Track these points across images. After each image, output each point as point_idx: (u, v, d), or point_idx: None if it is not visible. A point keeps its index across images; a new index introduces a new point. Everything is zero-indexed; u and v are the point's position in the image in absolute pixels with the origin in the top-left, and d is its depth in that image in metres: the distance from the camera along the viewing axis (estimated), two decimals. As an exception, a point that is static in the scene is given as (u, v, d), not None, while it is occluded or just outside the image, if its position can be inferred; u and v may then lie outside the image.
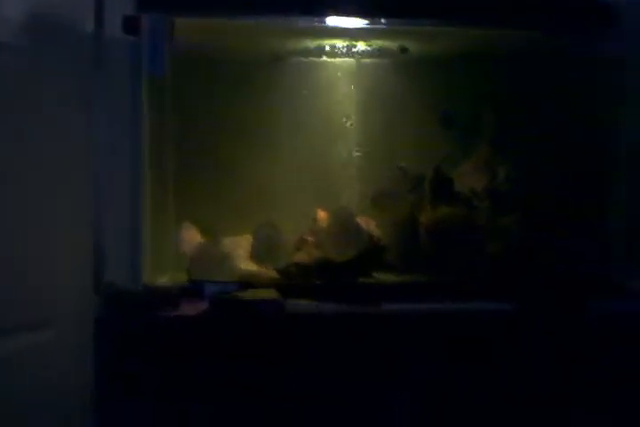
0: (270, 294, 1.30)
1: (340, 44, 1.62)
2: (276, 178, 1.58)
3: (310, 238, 1.43)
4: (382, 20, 1.46)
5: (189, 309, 1.28)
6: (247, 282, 1.34)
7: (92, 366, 1.30)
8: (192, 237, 1.43)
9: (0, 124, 1.35)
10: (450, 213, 1.42)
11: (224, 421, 1.25)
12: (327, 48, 1.63)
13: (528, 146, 1.51)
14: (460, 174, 1.47)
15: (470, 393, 1.26)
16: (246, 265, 1.41)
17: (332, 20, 1.45)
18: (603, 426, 1.27)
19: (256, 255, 1.40)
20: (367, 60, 1.64)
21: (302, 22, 1.46)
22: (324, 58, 1.64)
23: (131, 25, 1.41)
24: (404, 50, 1.57)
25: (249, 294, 1.29)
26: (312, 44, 1.61)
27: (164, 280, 1.40)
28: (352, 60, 1.64)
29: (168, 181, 1.49)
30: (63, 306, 1.35)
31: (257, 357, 1.25)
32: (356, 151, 1.62)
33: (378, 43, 1.62)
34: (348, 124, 1.63)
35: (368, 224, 1.42)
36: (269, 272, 1.40)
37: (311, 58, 1.64)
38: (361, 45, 1.63)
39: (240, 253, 1.41)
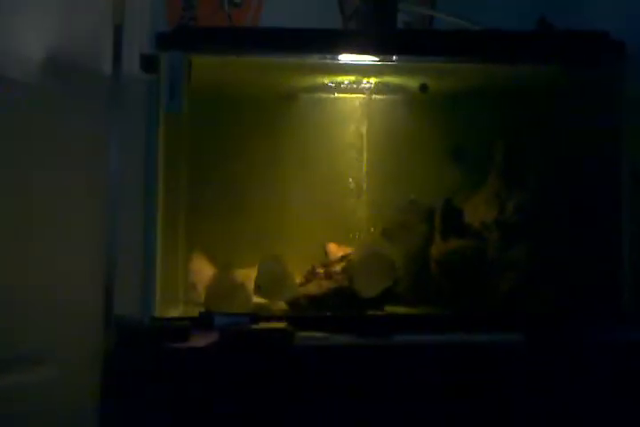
0: (280, 325, 1.31)
1: (351, 80, 1.65)
2: (287, 211, 1.60)
3: (320, 270, 1.43)
4: (393, 57, 1.48)
5: (199, 340, 1.29)
6: (257, 314, 1.34)
7: (97, 399, 1.30)
8: (202, 267, 1.44)
9: (18, 160, 1.39)
10: (460, 245, 1.42)
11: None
12: (339, 84, 1.65)
13: (537, 179, 1.51)
14: (470, 207, 1.48)
15: (480, 424, 1.25)
16: (257, 297, 1.41)
17: (344, 58, 1.48)
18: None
19: (259, 289, 1.41)
20: (378, 96, 1.66)
21: (314, 59, 1.48)
22: (336, 94, 1.67)
23: (149, 63, 1.43)
24: (424, 88, 1.59)
25: (259, 326, 1.30)
26: (324, 80, 1.64)
27: (173, 312, 1.41)
28: (363, 95, 1.67)
29: (180, 215, 1.51)
30: (69, 338, 1.36)
31: (267, 388, 1.25)
32: (367, 184, 1.64)
33: (388, 79, 1.65)
34: (359, 157, 1.65)
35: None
36: (279, 304, 1.40)
37: (323, 94, 1.66)
38: (372, 82, 1.66)
39: (250, 285, 1.42)
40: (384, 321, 1.37)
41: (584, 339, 1.29)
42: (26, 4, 1.45)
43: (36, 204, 1.40)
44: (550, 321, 1.35)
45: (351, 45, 1.45)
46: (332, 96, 1.67)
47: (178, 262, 1.49)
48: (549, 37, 1.53)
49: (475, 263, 1.41)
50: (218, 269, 1.44)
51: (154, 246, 1.40)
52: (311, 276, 1.44)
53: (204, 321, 1.32)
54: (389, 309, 1.41)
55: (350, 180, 1.64)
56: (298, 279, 1.45)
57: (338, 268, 1.42)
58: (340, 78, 1.64)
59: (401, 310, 1.41)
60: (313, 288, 1.41)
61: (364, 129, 1.66)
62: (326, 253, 1.49)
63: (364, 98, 1.67)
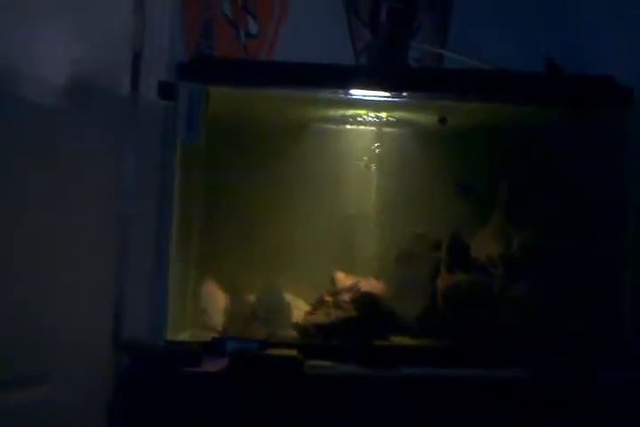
0: (290, 352, 1.34)
1: (362, 113, 1.70)
2: (296, 239, 1.63)
3: (328, 299, 1.47)
4: (403, 94, 1.53)
5: (211, 365, 1.31)
6: (267, 340, 1.37)
7: (107, 421, 1.31)
8: (213, 292, 1.47)
9: (32, 183, 1.39)
10: (466, 279, 1.46)
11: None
12: (350, 117, 1.70)
13: (542, 215, 1.55)
14: (476, 241, 1.52)
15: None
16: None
17: (356, 93, 1.53)
18: None
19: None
20: (388, 129, 1.71)
21: (327, 94, 1.53)
22: (347, 126, 1.71)
23: (167, 91, 1.46)
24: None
25: (270, 353, 1.33)
26: (336, 113, 1.68)
27: (182, 336, 1.43)
28: (374, 128, 1.71)
29: (192, 240, 1.54)
30: (80, 362, 1.37)
31: (275, 415, 1.27)
32: (376, 215, 1.67)
33: (398, 114, 1.69)
34: (369, 187, 1.69)
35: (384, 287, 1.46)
36: (290, 331, 1.43)
37: (334, 125, 1.71)
38: (382, 116, 1.70)
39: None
40: (391, 352, 1.40)
41: (591, 376, 1.32)
42: (45, 27, 1.47)
43: (49, 226, 1.42)
44: (556, 356, 1.37)
45: (362, 82, 1.49)
46: (344, 128, 1.71)
47: (188, 287, 1.51)
48: (556, 80, 1.58)
49: (480, 297, 1.44)
50: (231, 293, 1.47)
51: (166, 270, 1.43)
52: (319, 304, 1.48)
53: (216, 346, 1.35)
54: (396, 340, 1.44)
55: (359, 209, 1.68)
56: (306, 307, 1.48)
57: (347, 297, 1.46)
58: (351, 112, 1.68)
59: (407, 341, 1.44)
60: (321, 317, 1.44)
61: (373, 161, 1.70)
62: (334, 282, 1.53)
63: (374, 130, 1.71)
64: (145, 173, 1.61)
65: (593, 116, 1.54)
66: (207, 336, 1.40)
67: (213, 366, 1.31)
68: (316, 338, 1.42)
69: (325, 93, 1.53)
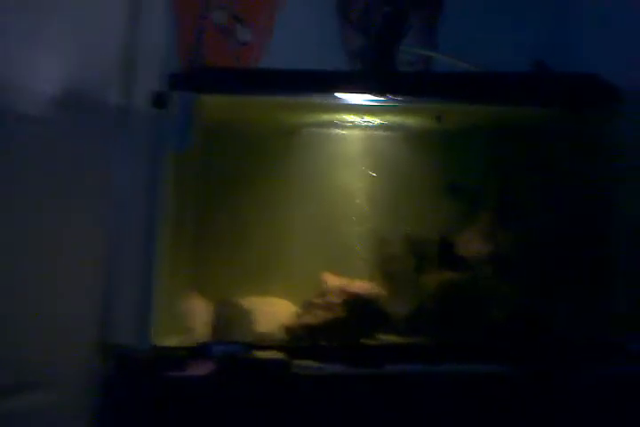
0: (277, 354, 1.34)
1: (351, 117, 1.70)
2: (287, 244, 1.63)
3: (316, 300, 1.47)
4: (393, 98, 1.53)
5: (197, 369, 1.31)
6: (253, 343, 1.37)
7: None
8: (200, 296, 1.47)
9: (21, 195, 1.41)
10: (453, 277, 1.45)
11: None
12: (342, 121, 1.70)
13: (531, 214, 1.55)
14: (464, 240, 1.51)
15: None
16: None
17: (346, 97, 1.54)
18: None
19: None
20: (376, 133, 1.71)
21: (318, 99, 1.54)
22: (339, 130, 1.71)
23: (160, 100, 1.48)
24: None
25: (256, 355, 1.33)
26: (327, 117, 1.69)
27: (168, 341, 1.43)
28: (366, 132, 1.71)
29: (182, 245, 1.55)
30: (65, 366, 1.37)
31: (263, 416, 1.27)
32: (364, 217, 1.67)
33: (389, 118, 1.70)
34: (361, 190, 1.69)
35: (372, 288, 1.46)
36: (277, 333, 1.43)
37: (326, 129, 1.71)
38: (374, 120, 1.70)
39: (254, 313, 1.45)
40: (378, 351, 1.39)
41: (580, 371, 1.31)
42: (37, 37, 1.49)
43: (45, 235, 1.43)
44: (545, 352, 1.36)
45: (353, 87, 1.51)
46: (335, 132, 1.71)
47: (175, 292, 1.52)
48: (544, 80, 1.57)
49: (467, 295, 1.44)
50: (219, 298, 1.48)
51: (153, 276, 1.43)
52: (308, 306, 1.48)
53: (201, 350, 1.35)
54: (383, 338, 1.43)
55: (349, 211, 1.68)
56: (296, 309, 1.48)
57: (338, 299, 1.46)
58: (343, 116, 1.68)
59: (394, 339, 1.43)
60: (309, 318, 1.44)
61: (365, 164, 1.70)
62: (323, 283, 1.52)
63: (366, 134, 1.71)
64: (136, 180, 1.62)
65: (581, 115, 1.53)
66: (193, 341, 1.40)
67: (200, 370, 1.31)
68: (304, 340, 1.42)
69: (317, 99, 1.54)
